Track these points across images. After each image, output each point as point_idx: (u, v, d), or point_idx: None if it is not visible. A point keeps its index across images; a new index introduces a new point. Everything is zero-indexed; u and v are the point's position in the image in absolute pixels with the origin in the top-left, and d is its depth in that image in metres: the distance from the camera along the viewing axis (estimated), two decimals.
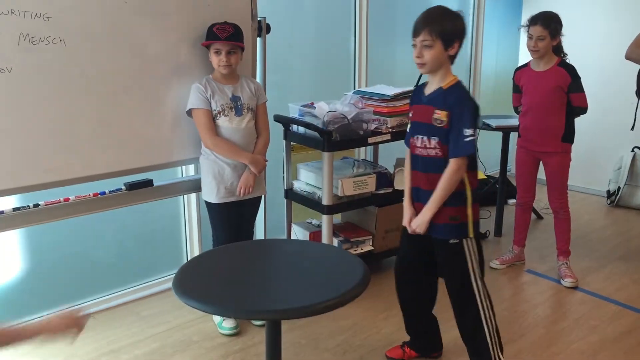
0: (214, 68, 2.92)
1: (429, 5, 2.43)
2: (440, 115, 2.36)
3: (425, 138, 2.43)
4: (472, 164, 2.43)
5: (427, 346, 2.85)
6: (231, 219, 3.04)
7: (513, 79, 3.72)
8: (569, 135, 3.52)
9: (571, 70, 3.42)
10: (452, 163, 2.36)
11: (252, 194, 3.02)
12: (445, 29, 2.31)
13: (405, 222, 2.56)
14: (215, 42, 2.84)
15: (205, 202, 3.04)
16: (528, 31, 3.43)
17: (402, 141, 3.59)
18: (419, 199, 2.51)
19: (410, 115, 2.55)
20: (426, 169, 2.46)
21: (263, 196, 3.23)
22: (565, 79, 3.40)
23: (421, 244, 2.54)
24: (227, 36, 2.84)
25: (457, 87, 2.40)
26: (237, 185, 2.98)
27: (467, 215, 2.44)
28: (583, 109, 3.50)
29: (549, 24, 3.36)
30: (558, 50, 3.49)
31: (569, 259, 3.70)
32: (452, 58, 2.39)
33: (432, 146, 2.41)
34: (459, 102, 2.35)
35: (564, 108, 3.47)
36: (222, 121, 2.90)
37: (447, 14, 2.36)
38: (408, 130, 2.59)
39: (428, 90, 2.45)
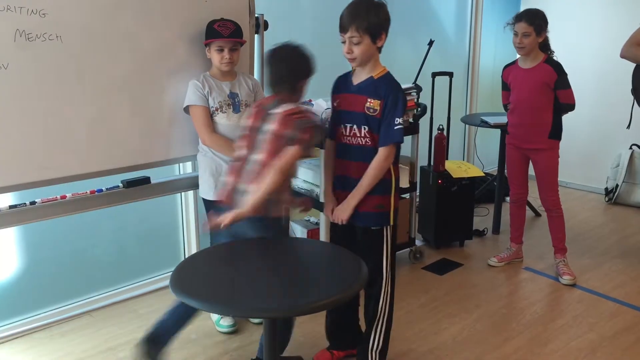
0: (213, 65, 2.90)
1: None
2: (373, 104, 2.40)
3: (354, 127, 2.45)
4: (397, 154, 2.49)
5: (353, 340, 2.79)
6: None
7: (502, 76, 3.73)
8: (556, 132, 3.53)
9: (557, 67, 3.44)
10: (383, 150, 2.41)
11: None
12: (370, 24, 2.34)
13: (326, 212, 2.60)
14: (218, 39, 2.82)
15: (203, 199, 3.03)
16: (513, 28, 3.46)
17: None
18: (345, 187, 2.51)
19: (335, 104, 2.56)
20: (356, 158, 2.47)
21: None
22: (552, 76, 3.42)
23: (346, 232, 2.58)
24: (229, 33, 2.83)
25: (388, 77, 2.45)
26: None
27: (391, 203, 2.50)
28: (570, 106, 3.50)
29: (533, 20, 3.38)
30: (545, 47, 3.51)
31: (567, 256, 3.70)
32: (380, 49, 2.43)
33: (362, 135, 2.44)
34: (393, 92, 2.40)
35: (551, 105, 3.48)
36: (219, 118, 2.89)
37: (372, 7, 2.37)
38: (330, 119, 2.62)
39: (357, 80, 2.48)
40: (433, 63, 4.33)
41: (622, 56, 3.61)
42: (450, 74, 4.28)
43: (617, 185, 4.99)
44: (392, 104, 2.38)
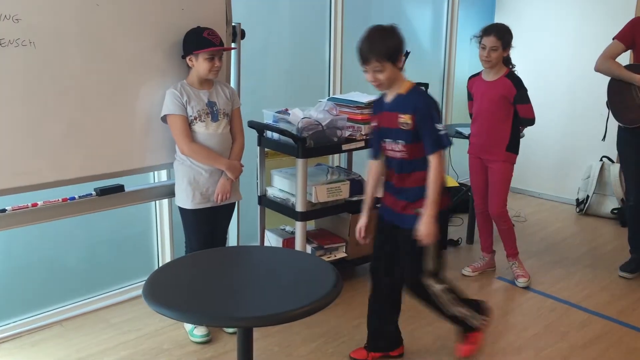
0: (196, 73, 2.87)
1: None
2: (405, 118, 2.51)
3: (392, 142, 2.59)
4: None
5: (390, 345, 2.91)
6: (205, 226, 3.02)
7: (467, 86, 3.81)
8: (513, 145, 3.60)
9: (517, 82, 3.50)
10: (433, 158, 2.50)
11: (228, 199, 3.00)
12: (389, 50, 2.43)
13: (358, 226, 2.77)
14: (211, 48, 2.80)
15: (180, 208, 3.01)
16: (481, 42, 3.52)
17: None
18: (388, 190, 2.71)
19: (375, 124, 2.71)
20: (396, 170, 2.63)
21: (237, 201, 3.21)
22: (510, 90, 3.49)
23: (391, 236, 2.72)
24: (220, 42, 2.85)
25: (415, 90, 2.56)
26: (212, 191, 2.95)
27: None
28: (529, 120, 3.57)
29: (502, 36, 3.44)
30: (507, 61, 3.57)
31: (519, 258, 3.82)
32: (401, 68, 2.53)
33: (399, 149, 2.57)
34: (423, 103, 2.51)
35: (509, 118, 3.55)
36: (198, 127, 2.88)
37: (386, 34, 2.45)
38: (372, 138, 2.76)
39: (388, 99, 2.61)
40: (409, 74, 4.36)
41: (597, 70, 3.68)
42: (426, 85, 4.31)
43: (587, 197, 5.08)
44: (424, 114, 2.48)
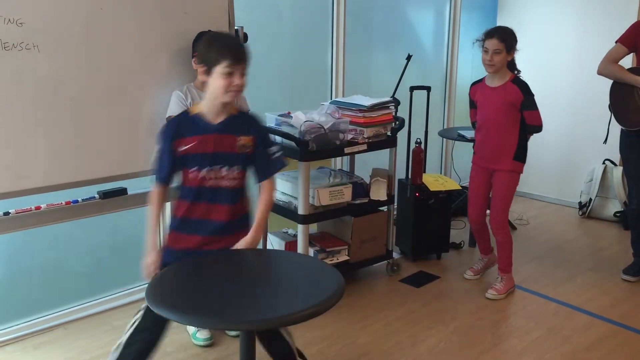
0: (199, 76, 2.89)
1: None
2: (245, 141, 2.32)
3: (225, 168, 2.32)
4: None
5: None
6: None
7: (469, 94, 3.68)
8: (520, 154, 3.49)
9: (524, 88, 3.39)
10: (271, 182, 2.41)
11: None
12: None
13: (146, 263, 2.32)
14: None
15: None
16: (483, 45, 3.40)
17: (379, 151, 3.66)
18: (201, 231, 2.34)
19: (190, 146, 2.29)
20: (220, 200, 2.33)
21: None
22: (518, 96, 3.37)
23: None
24: None
25: (247, 113, 2.48)
26: None
27: None
28: (537, 127, 3.45)
29: (505, 38, 3.33)
30: (512, 66, 3.46)
31: (510, 276, 3.67)
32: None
33: (233, 176, 2.33)
34: (259, 124, 2.41)
35: (517, 125, 3.44)
36: None
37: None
38: (165, 161, 2.35)
39: (215, 119, 2.31)
40: (411, 77, 4.38)
41: (599, 73, 3.68)
42: (428, 88, 4.32)
43: (590, 200, 5.07)
44: (264, 136, 2.40)
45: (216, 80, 2.21)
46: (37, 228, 2.80)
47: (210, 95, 2.27)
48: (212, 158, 2.29)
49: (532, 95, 3.40)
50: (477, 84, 3.62)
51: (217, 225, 2.34)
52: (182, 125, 2.31)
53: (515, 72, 3.48)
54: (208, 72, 2.22)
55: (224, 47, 2.20)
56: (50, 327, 3.17)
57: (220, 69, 2.18)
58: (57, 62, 2.63)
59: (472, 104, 3.67)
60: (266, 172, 2.40)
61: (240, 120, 2.36)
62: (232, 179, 2.33)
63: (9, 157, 2.56)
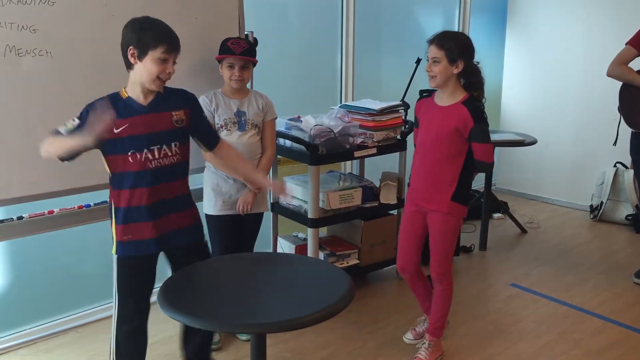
0: (224, 81, 2.94)
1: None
2: (179, 115, 2.31)
3: (164, 146, 2.27)
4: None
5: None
6: (228, 233, 3.02)
7: (415, 109, 2.96)
8: (460, 195, 2.75)
9: (476, 112, 2.66)
10: (224, 142, 2.53)
11: (252, 210, 3.00)
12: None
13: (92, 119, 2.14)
14: (229, 56, 2.86)
15: (205, 214, 3.03)
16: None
17: (389, 155, 3.65)
18: (152, 215, 2.30)
19: (122, 129, 2.22)
20: (166, 179, 2.30)
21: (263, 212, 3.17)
22: (466, 122, 2.65)
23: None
24: (241, 51, 2.87)
25: (174, 88, 2.38)
26: (235, 199, 2.97)
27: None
28: (486, 165, 2.75)
29: (443, 44, 2.63)
30: (470, 85, 2.74)
31: (439, 342, 2.97)
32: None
33: (174, 152, 2.30)
34: (189, 96, 2.40)
35: (460, 158, 2.73)
36: (222, 135, 2.87)
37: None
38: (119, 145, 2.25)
39: (146, 101, 2.27)
40: (421, 81, 4.38)
41: (609, 75, 3.67)
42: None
43: (602, 203, 5.05)
44: (199, 108, 2.51)
45: (148, 65, 2.17)
46: (49, 232, 2.83)
47: (137, 80, 2.23)
48: (148, 138, 2.24)
49: (486, 124, 2.71)
50: (424, 99, 2.92)
51: (167, 204, 2.31)
52: (115, 107, 2.20)
53: (474, 92, 2.73)
54: (139, 56, 2.17)
55: (162, 33, 2.19)
56: (63, 331, 3.19)
57: (155, 54, 2.16)
58: (70, 68, 2.66)
59: (416, 122, 2.91)
60: (214, 137, 2.48)
61: (170, 96, 2.33)
62: (173, 155, 2.30)
63: (21, 162, 2.59)
